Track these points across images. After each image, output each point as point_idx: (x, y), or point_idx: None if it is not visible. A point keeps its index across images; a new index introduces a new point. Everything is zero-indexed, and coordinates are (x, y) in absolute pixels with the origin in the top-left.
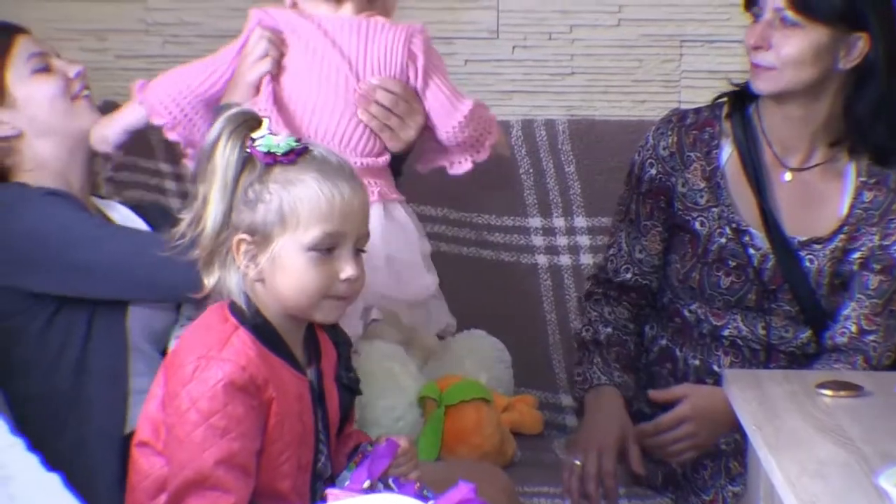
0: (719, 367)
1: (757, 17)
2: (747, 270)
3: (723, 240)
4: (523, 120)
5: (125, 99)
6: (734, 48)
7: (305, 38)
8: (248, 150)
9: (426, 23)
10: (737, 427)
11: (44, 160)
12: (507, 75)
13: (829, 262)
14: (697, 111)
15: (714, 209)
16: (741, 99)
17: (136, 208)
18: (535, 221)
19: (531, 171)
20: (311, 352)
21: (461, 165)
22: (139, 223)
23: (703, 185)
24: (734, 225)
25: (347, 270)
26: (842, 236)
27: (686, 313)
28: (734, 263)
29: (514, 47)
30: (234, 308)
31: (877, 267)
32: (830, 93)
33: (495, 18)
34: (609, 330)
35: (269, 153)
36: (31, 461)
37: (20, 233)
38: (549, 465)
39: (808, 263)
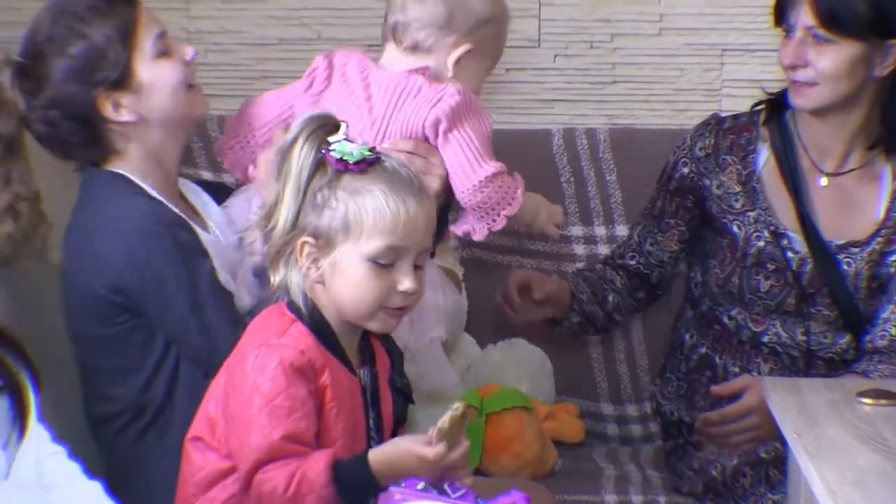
0: (759, 374)
1: (788, 33)
2: (786, 274)
3: (761, 243)
4: (564, 129)
5: None
6: (775, 57)
7: (350, 87)
8: (323, 154)
9: None
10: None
11: (152, 150)
12: (549, 84)
13: (867, 266)
14: (736, 117)
15: (750, 213)
16: (778, 106)
17: (206, 188)
18: (576, 230)
19: (572, 179)
20: (365, 355)
21: (476, 233)
22: (212, 204)
23: (738, 188)
24: (772, 228)
25: (405, 283)
26: (879, 239)
27: (726, 320)
28: (773, 267)
29: (555, 56)
30: (292, 306)
31: None
32: (867, 99)
33: (537, 27)
34: (591, 274)
35: (341, 160)
36: (74, 469)
37: (119, 258)
38: (590, 474)
39: (845, 267)
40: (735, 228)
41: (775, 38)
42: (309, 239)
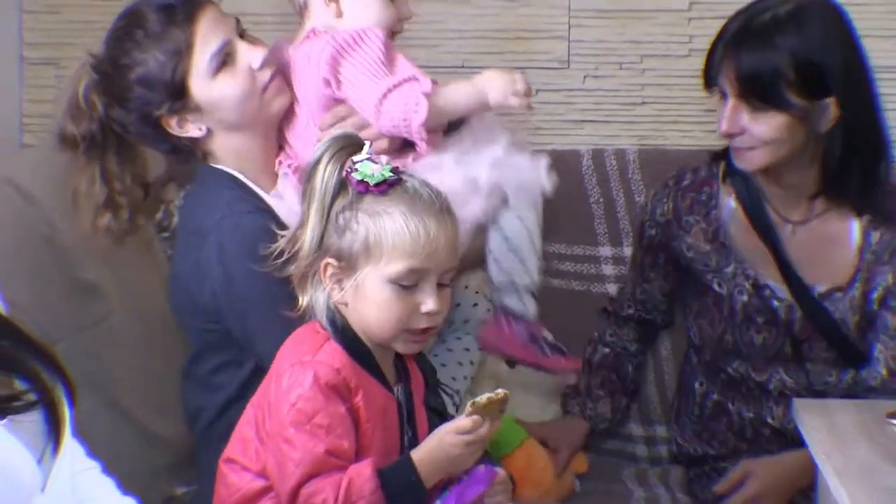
0: (773, 418)
1: (723, 98)
2: (777, 324)
3: (744, 297)
4: (594, 149)
5: None
6: None
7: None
8: (346, 175)
9: (497, 52)
10: (806, 484)
11: (236, 150)
12: (578, 105)
13: (851, 311)
14: (696, 171)
15: (727, 269)
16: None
17: None
18: (606, 251)
19: (601, 200)
20: (400, 373)
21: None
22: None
23: (708, 247)
24: (752, 280)
25: (429, 304)
26: (857, 285)
27: (730, 370)
28: (762, 319)
29: (585, 77)
30: (324, 325)
31: (894, 304)
32: (818, 153)
33: (566, 48)
34: (606, 350)
35: (362, 181)
36: (108, 484)
37: (217, 276)
38: (619, 496)
39: (834, 314)
40: (716, 287)
41: None
42: (332, 261)
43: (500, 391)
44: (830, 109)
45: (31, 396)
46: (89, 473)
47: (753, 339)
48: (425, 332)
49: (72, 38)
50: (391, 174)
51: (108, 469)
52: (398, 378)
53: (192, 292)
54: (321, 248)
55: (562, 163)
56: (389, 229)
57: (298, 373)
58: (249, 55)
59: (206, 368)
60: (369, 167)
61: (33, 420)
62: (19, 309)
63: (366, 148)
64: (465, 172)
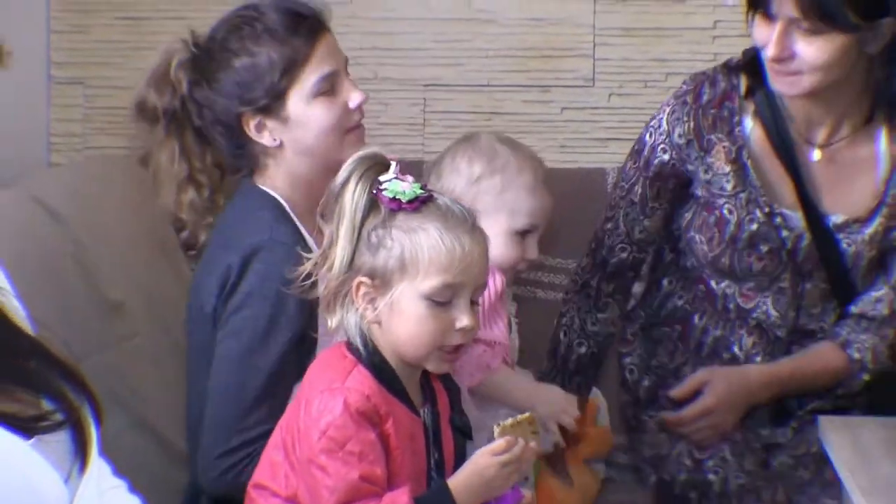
0: (740, 348)
1: (769, 18)
2: (780, 253)
3: (754, 226)
4: (618, 167)
5: None
6: None
7: None
8: (375, 194)
9: (523, 71)
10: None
11: (293, 174)
12: (603, 123)
13: (869, 247)
14: (714, 82)
15: (742, 194)
16: (757, 71)
17: None
18: None
19: None
20: (426, 394)
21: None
22: None
23: (728, 168)
24: (766, 209)
25: (463, 320)
26: (881, 219)
27: (713, 285)
28: (766, 248)
29: (610, 95)
30: (351, 347)
31: None
32: (859, 75)
33: (591, 66)
34: (583, 350)
35: (394, 199)
36: (134, 503)
37: (231, 283)
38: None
39: (845, 246)
40: (726, 212)
41: None
42: (365, 279)
43: (526, 413)
44: (883, 30)
45: (58, 416)
46: (116, 492)
47: (752, 266)
48: (458, 350)
49: (99, 57)
50: (422, 191)
51: (135, 487)
52: (424, 399)
53: (200, 300)
54: (352, 267)
55: (587, 181)
56: (425, 245)
57: (328, 399)
58: (350, 93)
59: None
60: (399, 185)
61: (60, 439)
62: (46, 327)
63: (393, 167)
64: None
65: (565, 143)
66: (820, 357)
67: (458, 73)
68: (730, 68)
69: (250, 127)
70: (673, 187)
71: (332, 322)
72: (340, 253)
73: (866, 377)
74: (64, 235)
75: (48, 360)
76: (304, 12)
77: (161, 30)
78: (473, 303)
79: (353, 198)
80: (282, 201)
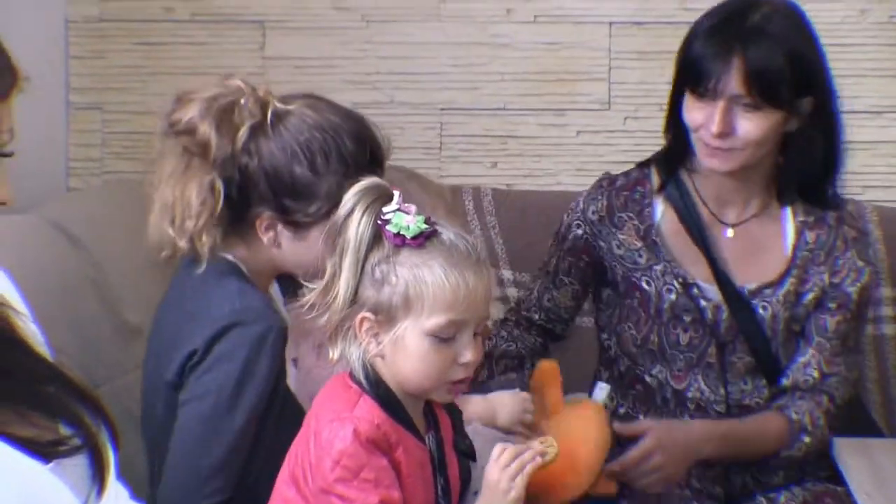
0: None
1: (708, 99)
2: (703, 324)
3: (672, 296)
4: None
5: None
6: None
7: None
8: (379, 226)
9: (539, 94)
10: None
11: (270, 265)
12: (619, 146)
13: (784, 308)
14: (627, 174)
15: (656, 266)
16: (670, 163)
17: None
18: None
19: None
20: (429, 420)
21: None
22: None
23: (639, 244)
24: (680, 279)
25: (467, 356)
26: (792, 280)
27: (647, 378)
28: (689, 318)
29: (625, 118)
30: (354, 378)
31: (832, 306)
32: (769, 155)
33: (607, 90)
34: (510, 347)
35: (398, 234)
36: None
37: (200, 347)
38: None
39: (761, 311)
40: (645, 285)
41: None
42: (368, 314)
43: (553, 454)
44: (806, 107)
45: (76, 441)
46: None
47: (679, 339)
48: (462, 382)
49: (117, 83)
50: (426, 226)
51: None
52: (428, 426)
53: (164, 371)
54: (355, 301)
55: None
56: (429, 282)
57: (338, 428)
58: None
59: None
60: (403, 218)
61: (78, 463)
62: (63, 352)
63: (396, 197)
64: None
65: (581, 166)
66: (761, 417)
67: (475, 97)
68: (640, 165)
69: (264, 221)
70: (584, 266)
71: (335, 354)
72: (344, 287)
73: (807, 439)
74: (82, 260)
75: (66, 385)
76: (379, 155)
77: (178, 55)
78: (476, 334)
79: (357, 231)
80: (243, 268)
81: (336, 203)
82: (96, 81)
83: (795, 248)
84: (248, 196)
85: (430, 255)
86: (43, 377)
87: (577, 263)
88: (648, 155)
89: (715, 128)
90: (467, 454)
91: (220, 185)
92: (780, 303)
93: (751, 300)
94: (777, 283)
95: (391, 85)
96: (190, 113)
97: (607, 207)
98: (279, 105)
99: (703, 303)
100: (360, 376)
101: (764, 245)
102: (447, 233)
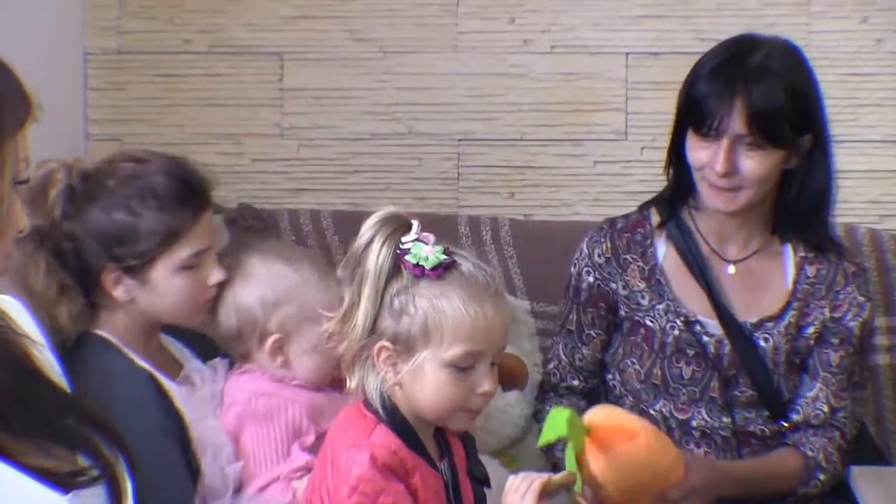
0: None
1: (712, 138)
2: (706, 359)
3: (675, 332)
4: None
5: (260, 202)
6: (860, 148)
7: None
8: (398, 256)
9: (555, 125)
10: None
11: (138, 323)
12: (636, 176)
13: (785, 339)
14: (626, 216)
15: (659, 306)
16: (671, 203)
17: (181, 337)
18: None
19: None
20: (442, 447)
21: None
22: (186, 352)
23: (642, 285)
24: (683, 317)
25: (484, 385)
26: (793, 312)
27: (651, 413)
28: (692, 352)
29: (642, 148)
30: (369, 406)
31: (835, 341)
32: (770, 193)
33: (624, 120)
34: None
35: (417, 265)
36: None
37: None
38: None
39: (763, 343)
40: (648, 322)
41: (861, 128)
42: (387, 344)
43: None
44: (805, 145)
45: (94, 471)
46: None
47: (682, 373)
48: (477, 411)
49: (136, 114)
50: (445, 256)
51: None
52: (441, 454)
53: None
54: (374, 331)
55: None
56: (449, 314)
57: (355, 454)
58: (213, 271)
59: None
60: (422, 249)
61: (96, 493)
62: None
63: (415, 227)
64: None
65: (598, 196)
66: (777, 456)
67: (492, 128)
68: (640, 208)
69: (109, 279)
70: (605, 314)
71: (352, 383)
72: (363, 316)
73: (822, 476)
74: None
75: (83, 416)
76: (195, 185)
77: (196, 87)
78: (493, 364)
79: (377, 261)
80: (117, 342)
81: (163, 239)
82: (115, 113)
83: (796, 281)
84: (85, 259)
85: (450, 287)
86: (61, 408)
87: (598, 313)
88: (664, 185)
89: (719, 167)
90: (481, 480)
91: (50, 259)
92: (782, 334)
93: (752, 333)
94: (778, 316)
95: (409, 116)
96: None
97: (612, 249)
98: (89, 168)
99: (705, 338)
100: (377, 405)
101: (765, 280)
102: (466, 264)
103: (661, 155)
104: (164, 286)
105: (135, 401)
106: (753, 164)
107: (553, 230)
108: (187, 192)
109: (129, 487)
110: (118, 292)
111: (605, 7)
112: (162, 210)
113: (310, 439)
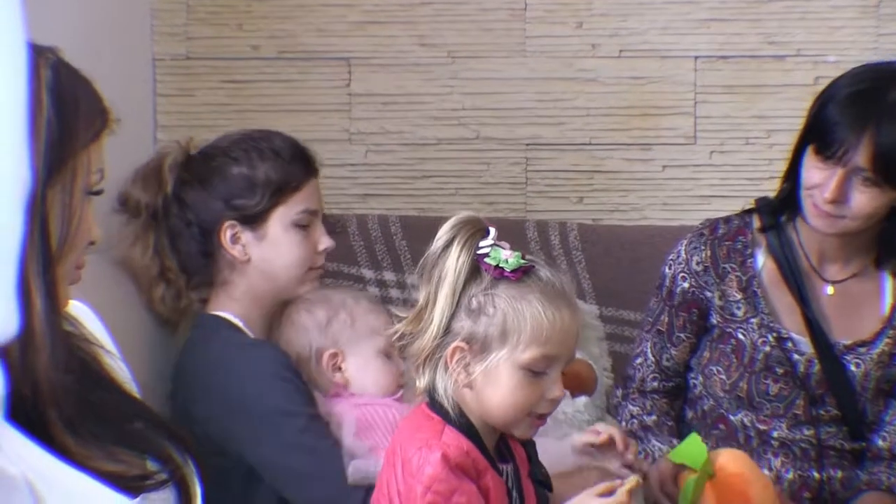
0: (770, 469)
1: (831, 164)
2: (795, 377)
3: (767, 348)
4: None
5: (329, 207)
6: None
7: None
8: (477, 259)
9: (624, 129)
10: None
11: (251, 292)
12: (705, 180)
13: (876, 366)
14: (728, 221)
15: (753, 319)
16: (773, 210)
17: None
18: None
19: None
20: (504, 452)
21: None
22: None
23: (739, 296)
24: (775, 333)
25: (555, 391)
26: (887, 340)
27: (731, 419)
28: (781, 370)
29: (711, 152)
30: (435, 408)
31: None
32: (880, 220)
33: (692, 124)
34: (654, 417)
35: (497, 267)
36: None
37: (219, 389)
38: None
39: (853, 368)
40: (741, 335)
41: None
42: (462, 344)
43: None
44: None
45: (163, 475)
46: None
47: (769, 389)
48: (544, 417)
49: (205, 120)
50: (524, 261)
51: None
52: (503, 458)
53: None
54: (448, 331)
55: None
56: (528, 315)
57: (427, 454)
58: (322, 236)
59: None
60: (501, 252)
61: (165, 497)
62: (149, 389)
63: (492, 233)
64: None
65: (667, 200)
66: (870, 499)
67: (560, 132)
68: (742, 212)
69: (226, 235)
70: (697, 319)
71: (421, 383)
72: (438, 316)
73: None
74: None
75: (153, 422)
76: (307, 151)
77: (264, 92)
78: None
79: (456, 262)
80: (237, 321)
81: (278, 188)
82: (183, 119)
83: (893, 308)
84: (203, 221)
85: (529, 289)
86: (131, 414)
87: (689, 318)
88: (735, 190)
89: (829, 194)
90: (544, 484)
91: (163, 239)
92: (874, 361)
93: (843, 356)
94: (871, 341)
95: (477, 121)
96: (122, 190)
97: (711, 258)
98: (201, 144)
99: (795, 356)
100: (447, 406)
101: (861, 303)
102: (544, 270)
103: (730, 159)
104: (279, 240)
105: (269, 364)
106: (865, 199)
107: (621, 235)
108: (301, 152)
109: (198, 491)
110: (237, 250)
111: (673, 11)
112: (277, 162)
113: None
